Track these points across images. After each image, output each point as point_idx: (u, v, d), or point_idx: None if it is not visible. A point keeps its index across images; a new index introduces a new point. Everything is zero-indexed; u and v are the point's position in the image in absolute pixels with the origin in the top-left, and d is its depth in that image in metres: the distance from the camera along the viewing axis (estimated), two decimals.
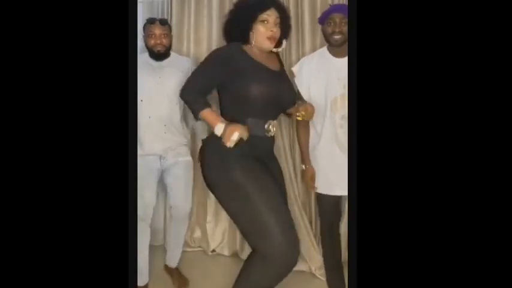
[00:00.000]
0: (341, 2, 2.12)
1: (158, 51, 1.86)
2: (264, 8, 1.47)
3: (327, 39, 1.74)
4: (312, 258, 2.27)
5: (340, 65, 1.71)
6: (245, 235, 1.45)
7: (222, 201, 1.47)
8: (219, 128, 1.42)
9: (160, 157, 1.90)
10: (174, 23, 2.37)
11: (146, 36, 1.88)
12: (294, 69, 1.85)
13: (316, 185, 1.81)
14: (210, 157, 1.48)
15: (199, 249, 2.54)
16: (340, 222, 1.91)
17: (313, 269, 2.25)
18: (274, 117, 1.54)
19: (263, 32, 1.47)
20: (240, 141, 1.40)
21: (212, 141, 1.48)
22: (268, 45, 1.49)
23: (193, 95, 1.48)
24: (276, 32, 1.49)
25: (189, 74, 1.58)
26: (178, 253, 2.10)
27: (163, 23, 1.87)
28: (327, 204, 1.82)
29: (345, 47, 1.71)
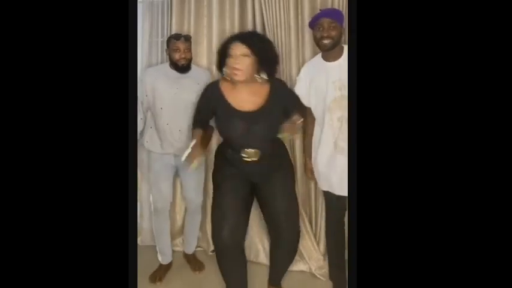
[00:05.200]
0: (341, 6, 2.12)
1: (182, 64, 2.04)
2: (228, 43, 1.65)
3: (317, 43, 1.78)
4: (312, 258, 2.28)
5: (333, 69, 1.75)
6: None
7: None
8: (191, 144, 1.71)
9: (175, 155, 2.12)
10: (174, 22, 2.36)
11: (171, 50, 2.05)
12: (298, 77, 1.94)
13: (319, 182, 1.93)
14: (215, 162, 1.90)
15: (200, 249, 2.54)
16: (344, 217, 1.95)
17: (313, 269, 2.26)
18: (251, 147, 1.71)
19: (229, 65, 1.63)
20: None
21: (219, 151, 1.87)
22: (235, 77, 1.63)
23: (193, 122, 1.88)
24: (240, 63, 1.61)
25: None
26: (194, 241, 2.40)
27: (187, 38, 2.06)
28: (331, 200, 1.90)
29: (336, 51, 1.75)
